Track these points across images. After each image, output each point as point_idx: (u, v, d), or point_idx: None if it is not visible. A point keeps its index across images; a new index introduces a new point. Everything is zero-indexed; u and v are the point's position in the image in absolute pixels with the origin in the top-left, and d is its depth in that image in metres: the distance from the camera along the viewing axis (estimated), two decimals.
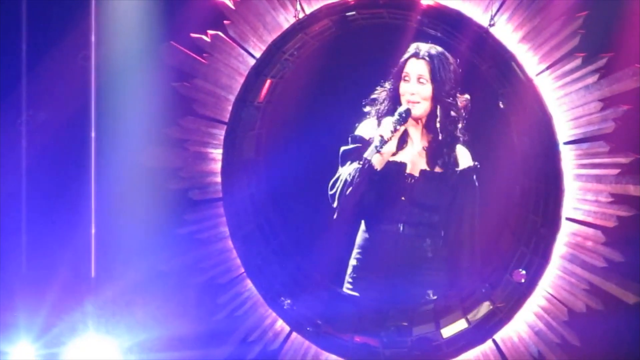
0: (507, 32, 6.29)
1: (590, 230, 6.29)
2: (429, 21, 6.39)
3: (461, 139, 6.29)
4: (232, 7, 6.56)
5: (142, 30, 6.69)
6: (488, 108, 6.51)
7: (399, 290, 6.28)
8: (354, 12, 6.49)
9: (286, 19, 6.53)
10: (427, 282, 6.31)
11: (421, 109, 6.23)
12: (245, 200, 6.69)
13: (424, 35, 6.41)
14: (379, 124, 6.24)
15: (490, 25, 6.29)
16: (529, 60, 6.29)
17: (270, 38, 6.54)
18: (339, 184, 6.13)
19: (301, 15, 6.48)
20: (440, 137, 6.26)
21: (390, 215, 6.23)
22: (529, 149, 6.41)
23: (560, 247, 6.32)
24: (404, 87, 6.23)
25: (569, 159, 6.29)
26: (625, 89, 6.20)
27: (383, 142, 6.07)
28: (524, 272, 6.38)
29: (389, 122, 6.13)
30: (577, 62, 6.24)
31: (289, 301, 6.58)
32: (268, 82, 6.63)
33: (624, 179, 6.23)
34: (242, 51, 6.58)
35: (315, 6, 6.48)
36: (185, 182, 6.68)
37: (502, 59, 6.31)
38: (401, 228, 6.25)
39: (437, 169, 6.27)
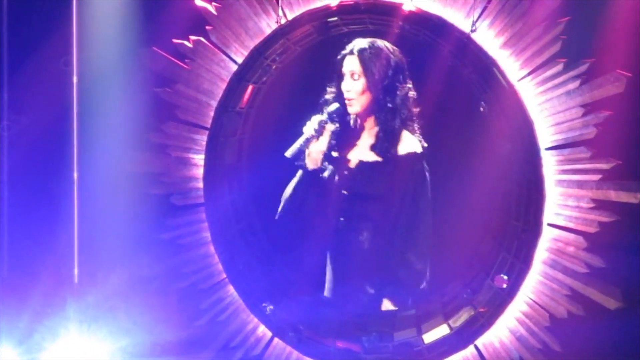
0: (488, 37, 6.30)
1: (571, 236, 6.30)
2: (411, 27, 6.39)
3: (399, 127, 6.17)
4: (214, 12, 6.55)
5: (124, 36, 6.68)
6: (470, 113, 6.52)
7: (348, 288, 6.25)
8: (336, 18, 6.49)
9: (268, 25, 6.52)
10: (366, 276, 6.25)
11: (358, 104, 6.19)
12: (227, 205, 6.69)
13: (405, 39, 6.42)
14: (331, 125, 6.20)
15: (472, 31, 6.29)
16: (511, 65, 6.29)
17: (252, 43, 6.54)
18: (286, 190, 6.13)
19: (283, 20, 6.48)
20: (378, 128, 6.21)
21: (333, 210, 6.19)
22: (511, 154, 6.42)
23: (542, 252, 6.33)
24: (343, 86, 6.21)
25: (550, 165, 6.29)
26: (607, 94, 6.20)
27: (306, 140, 6.04)
28: (505, 277, 6.39)
29: (315, 120, 6.11)
30: (559, 67, 6.25)
31: (271, 307, 6.59)
32: (250, 87, 6.63)
33: (606, 185, 6.24)
34: (224, 57, 6.58)
35: (297, 12, 6.48)
36: (167, 188, 6.67)
37: (484, 65, 6.31)
38: (341, 222, 6.21)
39: (375, 158, 6.20)
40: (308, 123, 6.08)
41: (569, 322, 6.32)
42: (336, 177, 6.15)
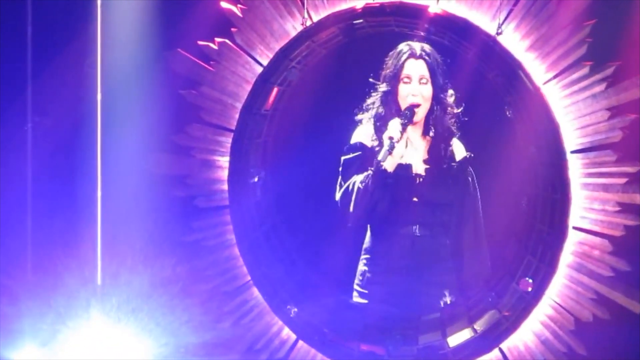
0: (514, 40, 6.29)
1: (597, 239, 6.29)
2: (437, 29, 6.38)
3: (456, 133, 6.26)
4: (240, 14, 6.55)
5: (148, 37, 6.68)
6: (495, 117, 6.51)
7: (416, 294, 6.26)
8: (361, 20, 6.48)
9: (293, 27, 6.52)
10: (444, 283, 6.30)
11: (423, 110, 6.23)
12: (252, 207, 6.68)
13: (431, 42, 6.41)
14: (376, 129, 6.23)
15: (498, 33, 6.29)
16: (536, 68, 6.28)
17: (277, 46, 6.53)
18: (353, 194, 6.09)
19: (308, 22, 6.48)
20: (439, 134, 6.24)
21: (404, 217, 6.20)
22: (536, 157, 6.41)
23: (567, 255, 6.31)
24: (404, 89, 6.19)
25: (576, 168, 6.28)
26: (633, 97, 6.20)
27: (393, 143, 6.04)
28: (530, 280, 6.38)
29: (396, 123, 6.10)
30: (585, 70, 6.24)
31: (295, 309, 6.58)
32: (275, 89, 6.62)
33: (631, 188, 6.23)
34: (249, 59, 6.57)
35: (323, 14, 6.47)
36: (191, 190, 6.67)
37: (510, 68, 6.30)
38: (416, 230, 6.22)
39: (440, 166, 6.24)
40: (391, 125, 6.06)
41: (594, 325, 6.30)
42: (405, 184, 6.16)
